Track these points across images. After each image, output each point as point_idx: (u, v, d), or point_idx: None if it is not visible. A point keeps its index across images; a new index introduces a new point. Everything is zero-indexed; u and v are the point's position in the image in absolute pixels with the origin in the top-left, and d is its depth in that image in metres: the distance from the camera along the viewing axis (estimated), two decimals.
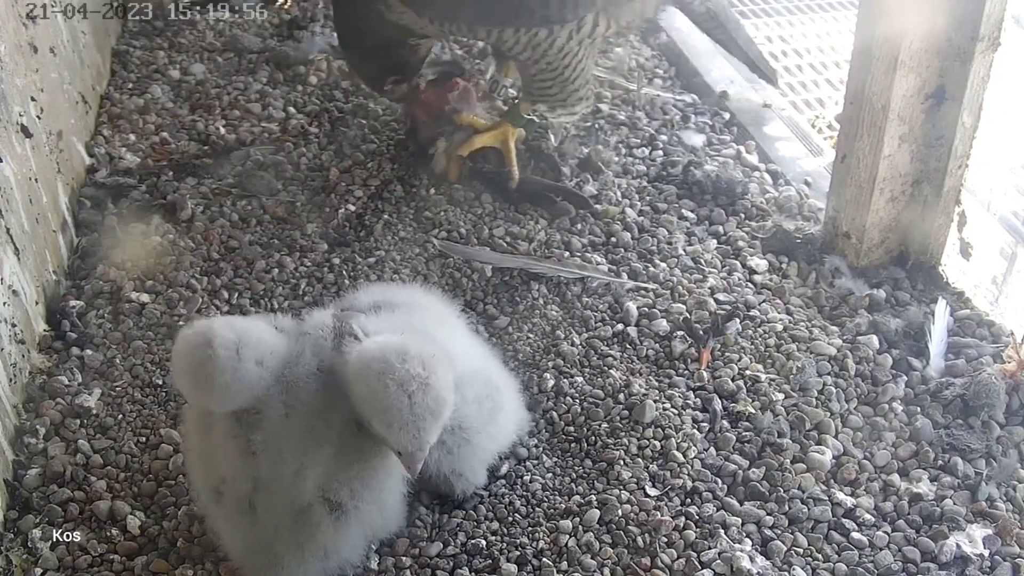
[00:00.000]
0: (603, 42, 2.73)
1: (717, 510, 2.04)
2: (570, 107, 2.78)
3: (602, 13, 2.59)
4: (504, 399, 1.99)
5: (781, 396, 2.27)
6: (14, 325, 2.22)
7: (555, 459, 2.15)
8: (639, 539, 1.98)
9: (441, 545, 1.97)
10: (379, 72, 2.86)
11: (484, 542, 1.98)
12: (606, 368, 2.35)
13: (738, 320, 2.44)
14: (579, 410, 2.25)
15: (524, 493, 2.07)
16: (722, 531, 1.99)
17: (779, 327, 2.44)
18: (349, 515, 1.76)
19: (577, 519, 2.02)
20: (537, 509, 2.05)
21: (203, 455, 1.81)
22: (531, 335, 2.45)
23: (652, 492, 2.07)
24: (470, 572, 1.93)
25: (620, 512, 2.02)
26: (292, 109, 3.24)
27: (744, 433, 2.19)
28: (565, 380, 2.31)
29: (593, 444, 2.17)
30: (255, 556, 1.81)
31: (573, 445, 2.18)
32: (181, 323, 2.43)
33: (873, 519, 2.02)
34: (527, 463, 2.14)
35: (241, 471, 1.75)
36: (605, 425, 2.21)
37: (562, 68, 2.65)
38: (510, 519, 2.03)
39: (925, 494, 2.06)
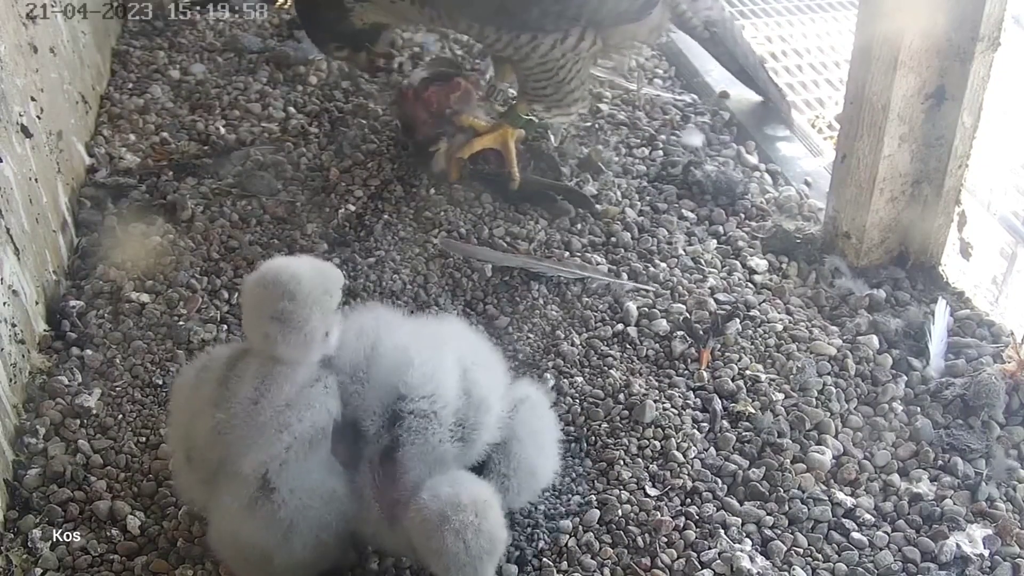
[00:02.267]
0: (597, 56, 2.74)
1: (717, 510, 2.04)
2: (565, 108, 2.78)
3: (589, 30, 2.59)
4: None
5: (781, 396, 2.27)
6: (14, 325, 2.22)
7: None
8: (639, 539, 1.98)
9: None
10: (327, 35, 2.84)
11: None
12: (606, 368, 2.35)
13: (738, 320, 2.44)
14: (579, 410, 2.25)
15: None
16: (722, 531, 1.99)
17: (779, 327, 2.44)
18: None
19: (577, 519, 2.02)
20: (537, 509, 2.04)
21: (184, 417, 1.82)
22: (531, 335, 2.45)
23: (652, 492, 2.07)
24: None
25: (620, 512, 2.02)
26: (292, 109, 3.24)
27: (744, 433, 2.19)
28: (565, 380, 2.31)
29: (593, 444, 2.17)
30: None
31: (573, 445, 2.18)
32: (181, 323, 2.44)
33: (873, 519, 2.02)
34: None
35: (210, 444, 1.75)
36: (605, 425, 2.21)
37: (555, 70, 2.65)
38: (510, 519, 2.03)
39: (925, 494, 2.06)
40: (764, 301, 2.54)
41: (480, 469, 1.87)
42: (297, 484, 1.72)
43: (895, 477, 2.11)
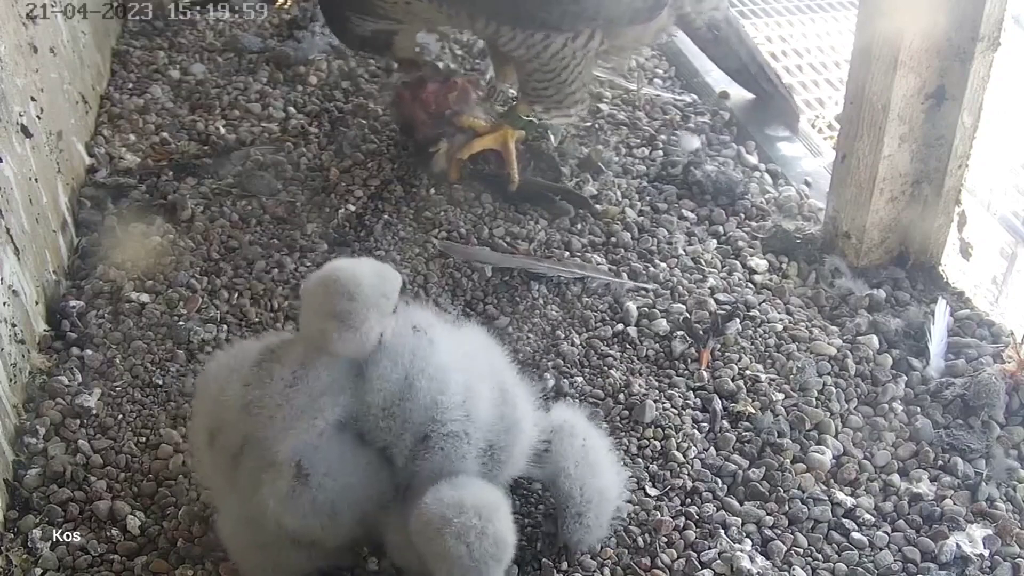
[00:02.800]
0: (601, 55, 2.75)
1: (717, 510, 2.04)
2: (566, 109, 2.79)
3: (599, 30, 2.60)
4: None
5: (781, 396, 2.27)
6: (14, 325, 2.22)
7: None
8: (639, 539, 1.98)
9: None
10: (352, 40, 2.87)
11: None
12: (606, 368, 2.35)
13: (738, 320, 2.44)
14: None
15: (524, 493, 2.07)
16: (722, 531, 1.99)
17: (779, 327, 2.44)
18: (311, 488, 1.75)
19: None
20: (537, 509, 2.04)
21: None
22: (531, 335, 2.45)
23: (652, 492, 2.07)
24: None
25: (620, 512, 2.02)
26: (292, 109, 3.24)
27: (744, 433, 2.19)
28: (565, 380, 2.31)
29: None
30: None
31: None
32: (181, 323, 2.44)
33: (873, 519, 2.02)
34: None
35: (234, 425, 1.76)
36: (605, 425, 2.21)
37: (559, 70, 2.65)
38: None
39: (925, 494, 2.06)
40: (764, 301, 2.54)
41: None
42: (331, 467, 1.72)
43: (895, 477, 2.11)
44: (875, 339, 2.41)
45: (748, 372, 2.33)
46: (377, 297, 1.73)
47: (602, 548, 1.97)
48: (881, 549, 1.97)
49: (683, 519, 2.02)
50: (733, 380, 2.31)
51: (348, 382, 1.74)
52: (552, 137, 3.07)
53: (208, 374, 1.89)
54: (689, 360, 2.37)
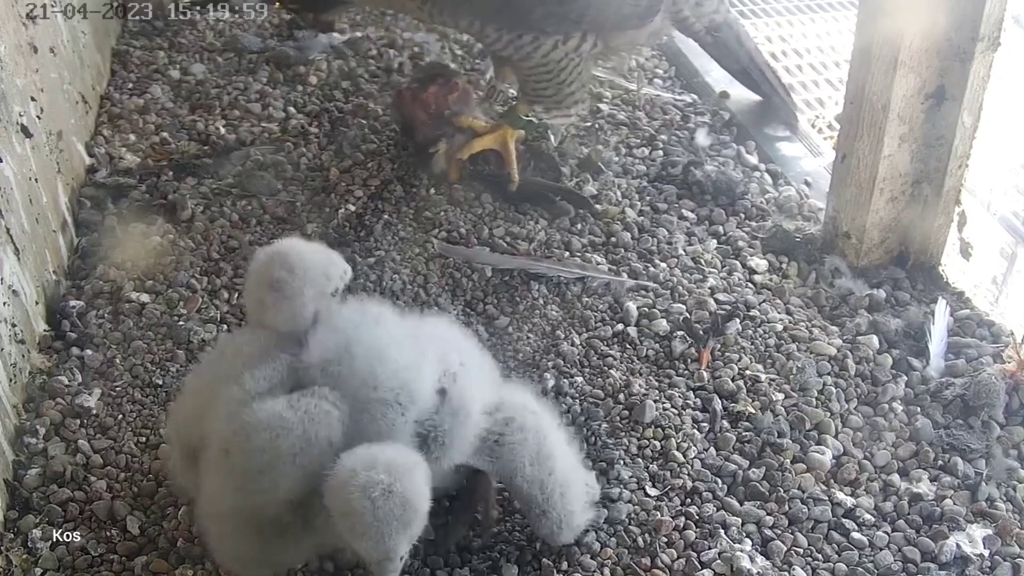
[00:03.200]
0: (598, 58, 2.75)
1: (717, 510, 2.04)
2: (565, 109, 2.79)
3: (590, 33, 2.60)
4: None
5: (781, 396, 2.27)
6: (14, 325, 2.22)
7: None
8: (639, 539, 1.98)
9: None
10: None
11: (484, 542, 1.98)
12: (606, 368, 2.35)
13: (738, 320, 2.44)
14: (579, 410, 2.25)
15: None
16: (722, 531, 1.99)
17: (779, 327, 2.44)
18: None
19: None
20: None
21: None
22: (531, 335, 2.45)
23: (652, 492, 2.07)
24: (470, 572, 1.93)
25: (620, 512, 2.02)
26: (292, 109, 3.24)
27: (744, 433, 2.19)
28: (565, 380, 2.31)
29: (593, 444, 2.17)
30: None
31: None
32: (181, 323, 2.44)
33: (873, 519, 2.02)
34: None
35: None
36: (605, 425, 2.21)
37: (557, 71, 2.65)
38: (510, 519, 2.03)
39: (925, 494, 2.06)
40: (764, 301, 2.54)
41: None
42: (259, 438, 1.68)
43: (895, 477, 2.11)
44: (875, 339, 2.41)
45: (748, 372, 2.33)
46: (317, 274, 1.80)
47: (602, 548, 1.97)
48: (881, 549, 1.97)
49: (683, 519, 2.03)
50: (733, 380, 2.31)
51: (278, 353, 1.77)
52: (552, 137, 3.07)
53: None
54: (689, 360, 2.37)
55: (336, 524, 1.63)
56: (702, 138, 3.11)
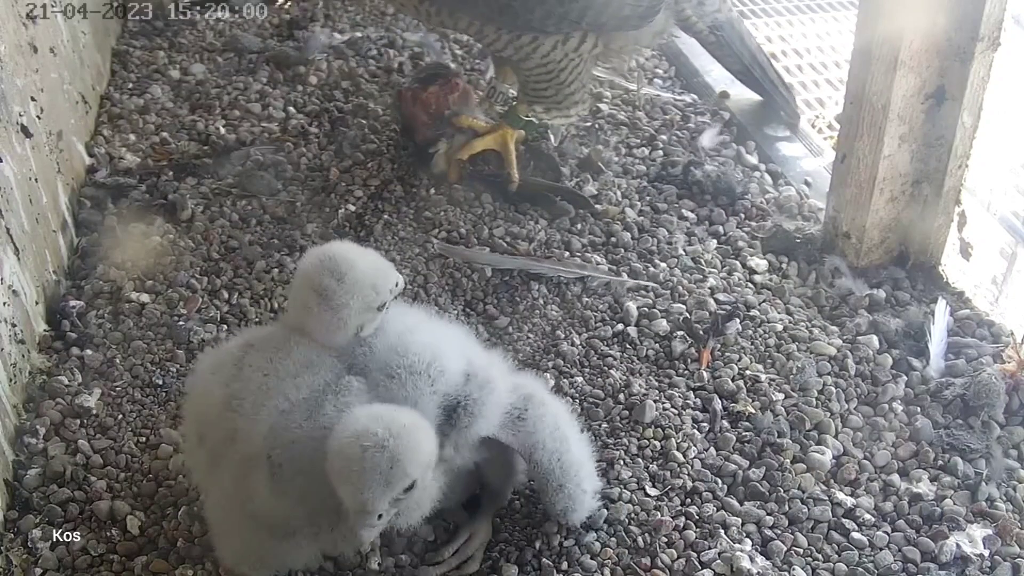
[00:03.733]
0: (598, 58, 2.75)
1: (717, 510, 2.04)
2: (566, 110, 2.79)
3: (591, 33, 2.59)
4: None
5: (781, 396, 2.27)
6: (14, 325, 2.22)
7: None
8: (639, 539, 1.98)
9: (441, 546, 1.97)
10: None
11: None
12: (606, 368, 2.35)
13: (738, 320, 2.44)
14: (579, 410, 2.24)
15: (524, 493, 2.07)
16: (722, 531, 1.99)
17: (779, 327, 2.44)
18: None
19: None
20: (537, 509, 2.04)
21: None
22: (531, 335, 2.45)
23: (652, 492, 2.07)
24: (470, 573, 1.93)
25: (620, 512, 2.02)
26: (292, 109, 3.24)
27: (744, 433, 2.19)
28: (565, 380, 2.31)
29: (593, 444, 2.17)
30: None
31: None
32: (181, 323, 2.44)
33: (873, 519, 2.02)
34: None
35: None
36: (605, 425, 2.21)
37: (557, 72, 2.65)
38: (510, 519, 2.03)
39: (925, 494, 2.06)
40: (764, 301, 2.54)
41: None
42: (304, 456, 1.70)
43: (895, 477, 2.11)
44: (875, 339, 2.41)
45: (748, 372, 2.33)
46: (365, 286, 1.75)
47: (602, 548, 1.97)
48: (881, 549, 1.97)
49: (683, 519, 2.02)
50: (733, 380, 2.31)
51: (325, 364, 1.75)
52: (552, 137, 3.07)
53: (196, 374, 1.89)
54: (689, 360, 2.37)
55: (328, 464, 1.65)
56: (706, 140, 3.11)
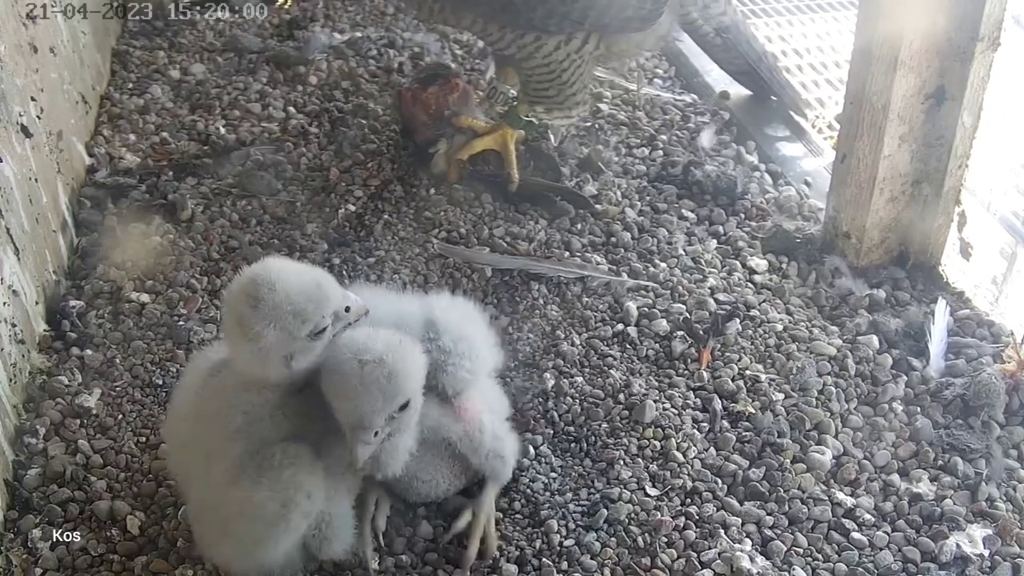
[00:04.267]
0: (600, 60, 2.75)
1: (717, 510, 2.04)
2: (567, 110, 2.79)
3: (594, 34, 2.60)
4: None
5: (781, 396, 2.27)
6: (14, 325, 2.22)
7: (556, 459, 2.15)
8: (639, 539, 1.98)
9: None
10: None
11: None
12: (606, 368, 2.35)
13: (738, 320, 2.44)
14: (579, 410, 2.25)
15: (524, 492, 2.07)
16: (722, 531, 1.99)
17: (779, 327, 2.44)
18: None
19: (578, 519, 2.02)
20: (538, 510, 2.04)
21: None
22: (531, 335, 2.45)
23: (652, 492, 2.07)
24: (470, 572, 1.93)
25: (620, 512, 2.02)
26: (292, 109, 3.24)
27: (744, 433, 2.19)
28: (565, 380, 2.31)
29: (593, 444, 2.17)
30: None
31: (573, 445, 2.18)
32: (181, 323, 2.44)
33: (873, 519, 2.02)
34: (529, 462, 2.13)
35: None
36: (605, 425, 2.21)
37: (559, 72, 2.65)
38: (510, 519, 2.03)
39: (925, 494, 2.06)
40: (764, 301, 2.54)
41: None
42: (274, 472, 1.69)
43: (895, 477, 2.11)
44: (875, 339, 2.41)
45: (748, 372, 2.33)
46: (284, 313, 1.60)
47: (602, 548, 1.97)
48: (881, 549, 1.97)
49: (683, 519, 2.02)
50: (733, 380, 2.31)
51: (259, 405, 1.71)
52: (552, 137, 3.07)
53: (181, 380, 1.91)
54: (689, 360, 2.37)
55: (324, 383, 1.66)
56: (706, 139, 3.11)
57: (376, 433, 1.65)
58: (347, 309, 1.71)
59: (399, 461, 1.81)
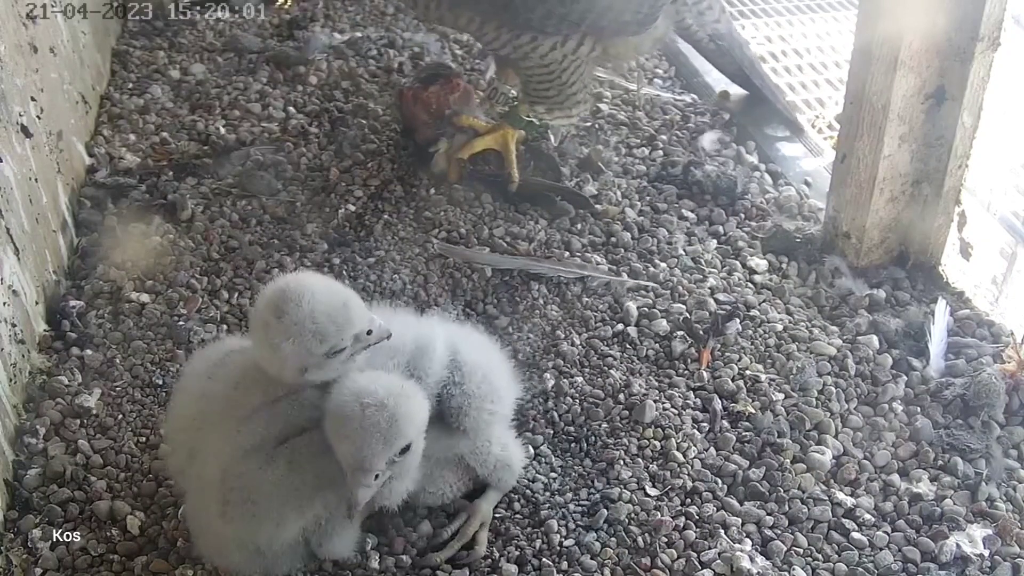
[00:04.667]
0: (597, 61, 2.76)
1: (717, 510, 2.04)
2: (567, 110, 2.79)
3: (589, 36, 2.60)
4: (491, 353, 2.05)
5: (781, 396, 2.27)
6: (14, 325, 2.22)
7: (556, 459, 2.15)
8: (639, 539, 1.98)
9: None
10: None
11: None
12: (606, 368, 2.35)
13: (738, 320, 2.44)
14: (579, 410, 2.25)
15: (524, 493, 2.07)
16: (722, 531, 1.99)
17: (779, 327, 2.44)
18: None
19: (578, 519, 2.02)
20: (538, 510, 2.04)
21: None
22: (531, 335, 2.45)
23: (652, 492, 2.07)
24: (470, 572, 1.93)
25: (620, 512, 2.02)
26: (292, 109, 3.24)
27: (744, 433, 2.19)
28: (565, 380, 2.31)
29: (593, 444, 2.17)
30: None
31: (573, 445, 2.18)
32: (181, 323, 2.44)
33: (873, 519, 2.02)
34: (529, 462, 2.13)
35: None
36: (605, 425, 2.21)
37: (559, 72, 2.65)
38: (510, 519, 2.03)
39: (925, 494, 2.06)
40: (764, 301, 2.54)
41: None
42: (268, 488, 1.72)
43: (895, 477, 2.11)
44: (875, 339, 2.41)
45: (748, 372, 2.33)
46: (303, 329, 1.65)
47: (602, 548, 1.97)
48: (881, 549, 1.97)
49: (683, 519, 2.02)
50: (733, 380, 2.31)
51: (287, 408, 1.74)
52: (552, 137, 3.07)
53: (184, 375, 1.91)
54: (689, 360, 2.37)
55: (326, 424, 1.69)
56: (706, 142, 3.11)
57: (377, 476, 1.68)
58: (368, 332, 1.75)
59: (397, 499, 1.83)
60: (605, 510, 2.02)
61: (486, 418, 1.92)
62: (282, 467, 1.71)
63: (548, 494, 2.07)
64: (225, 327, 2.45)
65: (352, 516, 1.77)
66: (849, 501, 2.05)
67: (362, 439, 1.64)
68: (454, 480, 1.99)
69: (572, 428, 2.21)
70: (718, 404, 2.25)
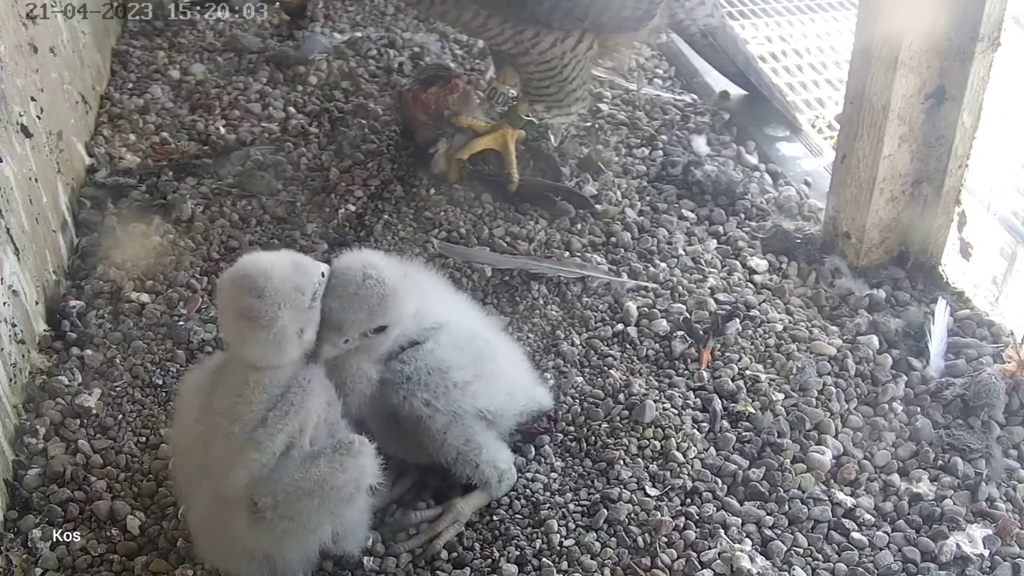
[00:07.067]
0: (595, 58, 2.77)
1: (717, 510, 2.04)
2: (566, 108, 2.79)
3: (589, 32, 2.62)
4: (496, 353, 2.03)
5: (781, 396, 2.27)
6: (14, 325, 2.22)
7: (556, 459, 2.15)
8: (639, 539, 1.98)
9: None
10: None
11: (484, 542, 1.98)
12: (606, 368, 2.35)
13: (738, 320, 2.44)
14: (579, 410, 2.25)
15: (524, 492, 2.07)
16: (722, 531, 1.99)
17: (779, 327, 2.44)
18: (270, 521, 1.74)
19: (578, 519, 2.02)
20: (538, 510, 2.04)
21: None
22: (531, 335, 2.45)
23: (652, 492, 2.07)
24: (470, 572, 1.93)
25: (620, 512, 2.02)
26: (292, 109, 3.24)
27: (744, 433, 2.19)
28: (565, 380, 2.31)
29: (593, 444, 2.17)
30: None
31: (573, 445, 2.18)
32: (181, 323, 2.44)
33: (873, 519, 2.02)
34: (529, 462, 2.13)
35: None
36: (605, 425, 2.21)
37: (560, 68, 2.66)
38: (510, 519, 2.03)
39: (925, 494, 2.06)
40: (764, 301, 2.54)
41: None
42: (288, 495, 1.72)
43: (895, 477, 2.11)
44: (875, 339, 2.41)
45: (748, 372, 2.33)
46: (288, 291, 1.69)
47: (602, 548, 1.97)
48: (881, 549, 1.97)
49: (683, 519, 2.02)
50: (733, 380, 2.31)
51: (295, 398, 1.74)
52: (552, 137, 3.07)
53: (181, 392, 1.90)
54: (689, 360, 2.37)
55: (330, 282, 1.78)
56: (702, 145, 3.11)
57: (347, 341, 1.79)
58: (322, 274, 1.79)
59: (359, 390, 1.87)
60: (605, 510, 2.02)
61: (453, 405, 1.91)
62: (322, 467, 1.73)
63: (548, 494, 2.07)
64: None
65: (316, 363, 1.79)
66: (849, 501, 2.05)
67: (351, 304, 1.76)
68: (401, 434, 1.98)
69: (572, 428, 2.21)
70: (718, 404, 2.25)
